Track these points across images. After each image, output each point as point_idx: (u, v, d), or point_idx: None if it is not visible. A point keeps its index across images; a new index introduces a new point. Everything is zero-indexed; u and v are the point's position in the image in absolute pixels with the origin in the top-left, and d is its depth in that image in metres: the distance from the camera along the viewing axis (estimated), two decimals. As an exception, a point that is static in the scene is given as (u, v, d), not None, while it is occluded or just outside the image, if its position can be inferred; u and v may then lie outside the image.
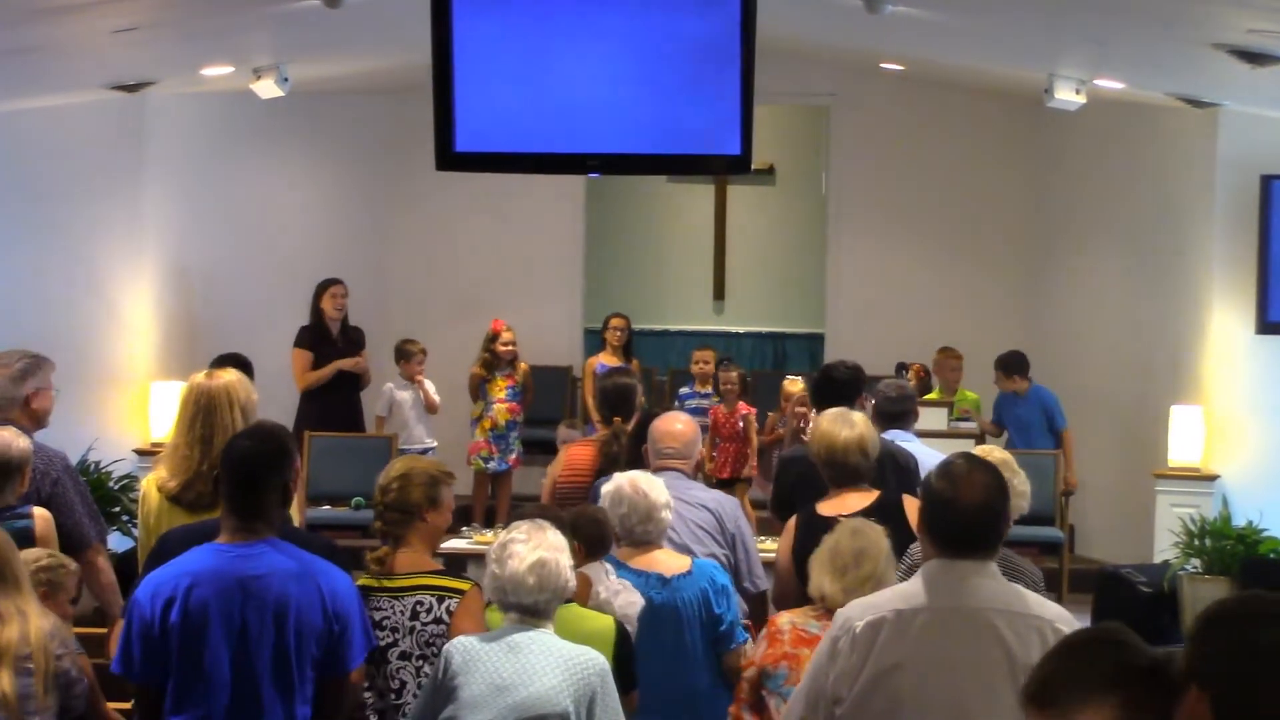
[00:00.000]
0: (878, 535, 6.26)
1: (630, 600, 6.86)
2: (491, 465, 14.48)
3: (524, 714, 5.47)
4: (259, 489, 5.61)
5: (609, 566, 7.09)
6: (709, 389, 14.24)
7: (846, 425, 7.54)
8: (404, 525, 6.27)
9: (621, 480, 7.22)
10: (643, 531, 7.13)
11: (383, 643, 6.05)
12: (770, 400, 13.98)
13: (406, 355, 14.53)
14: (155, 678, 5.54)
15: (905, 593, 5.08)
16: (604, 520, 7.30)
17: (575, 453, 9.49)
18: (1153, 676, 3.48)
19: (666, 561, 7.13)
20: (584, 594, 6.60)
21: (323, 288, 14.61)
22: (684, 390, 14.56)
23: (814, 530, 7.11)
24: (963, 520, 5.01)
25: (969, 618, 4.93)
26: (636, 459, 8.62)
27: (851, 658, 4.98)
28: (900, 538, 6.56)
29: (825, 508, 7.41)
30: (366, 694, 6.03)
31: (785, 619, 6.35)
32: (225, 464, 5.70)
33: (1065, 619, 4.99)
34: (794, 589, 7.09)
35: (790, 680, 6.15)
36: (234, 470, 5.64)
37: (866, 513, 7.17)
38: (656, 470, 8.24)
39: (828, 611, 6.23)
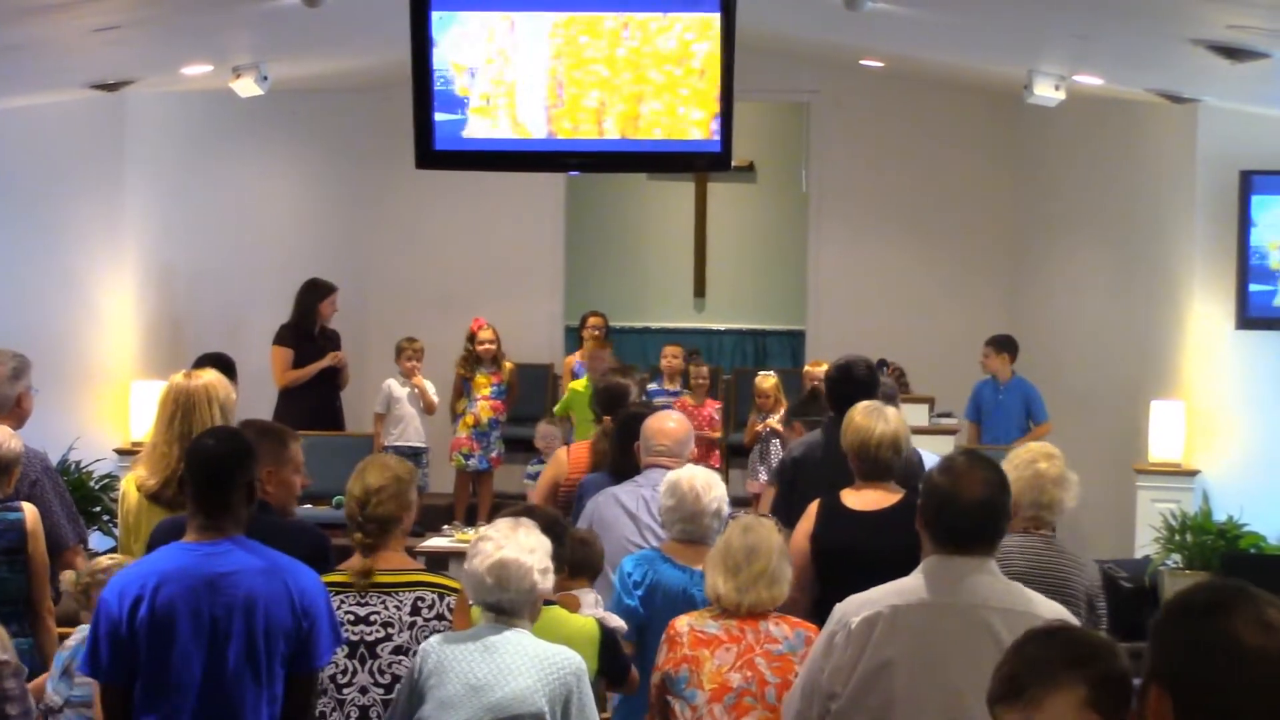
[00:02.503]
0: (768, 531, 6.29)
1: (615, 627, 6.88)
2: (472, 463, 14.46)
3: (499, 714, 5.46)
4: (225, 487, 5.60)
5: (597, 596, 7.15)
6: (677, 385, 14.34)
7: (881, 420, 7.49)
8: (385, 533, 6.30)
9: (683, 474, 7.24)
10: (681, 530, 7.15)
11: (371, 637, 6.05)
12: (750, 397, 14.07)
13: (398, 352, 14.50)
14: (122, 678, 5.52)
15: (902, 589, 5.07)
16: (591, 541, 7.31)
17: (577, 454, 9.49)
18: (1112, 657, 3.47)
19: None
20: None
21: (323, 293, 14.54)
22: (652, 386, 14.55)
23: (836, 519, 7.11)
24: (962, 517, 5.00)
25: (964, 614, 4.92)
26: (619, 458, 8.63)
27: (846, 653, 4.98)
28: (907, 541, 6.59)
29: (850, 499, 7.39)
30: (346, 690, 6.04)
31: (683, 621, 6.33)
32: (190, 463, 5.70)
33: (1063, 616, 4.98)
34: (808, 575, 7.09)
35: (691, 683, 6.15)
36: (199, 469, 5.64)
37: (892, 511, 7.17)
38: (647, 468, 8.25)
39: (724, 611, 6.25)
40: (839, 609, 5.15)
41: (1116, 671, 3.45)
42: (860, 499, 7.34)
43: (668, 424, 8.36)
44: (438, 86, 10.78)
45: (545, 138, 10.81)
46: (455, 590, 6.18)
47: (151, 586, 5.49)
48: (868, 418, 7.52)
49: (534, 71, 10.71)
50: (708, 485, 7.15)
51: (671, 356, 14.74)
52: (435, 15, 10.70)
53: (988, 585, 4.99)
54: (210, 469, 5.62)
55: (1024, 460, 6.88)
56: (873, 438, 7.43)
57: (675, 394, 14.16)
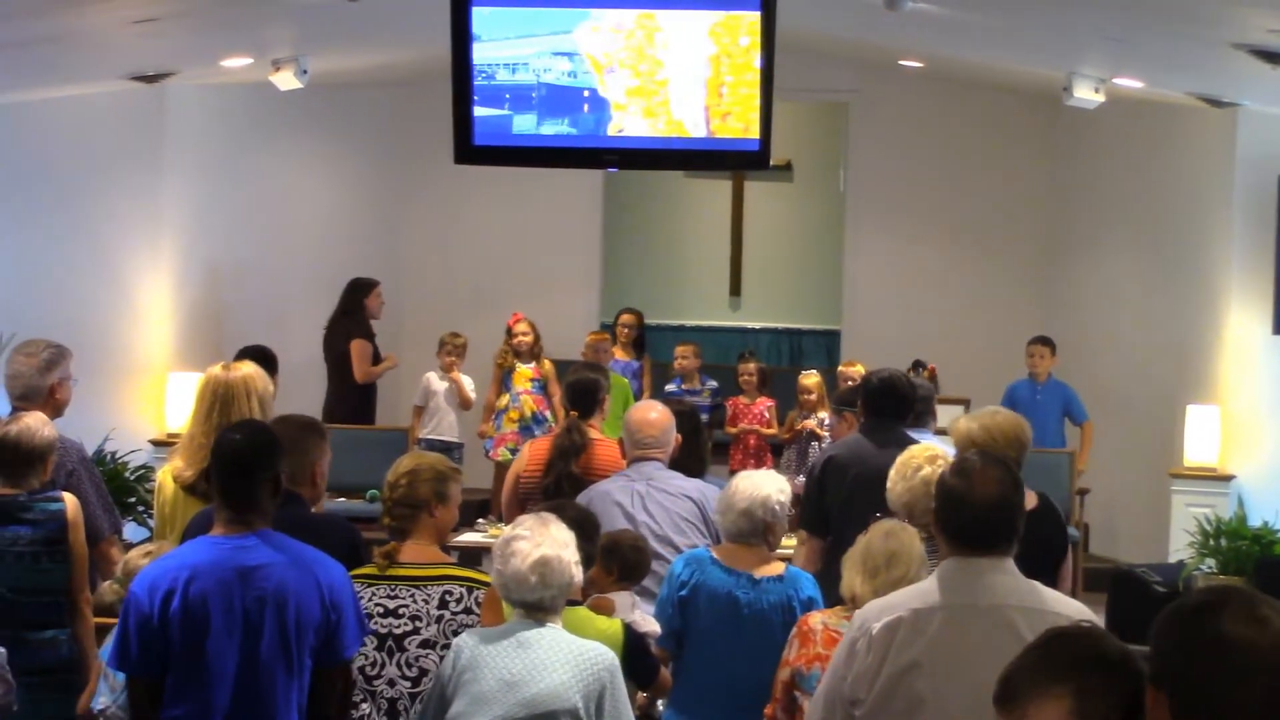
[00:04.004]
0: (911, 538, 6.17)
1: (647, 630, 6.90)
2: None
3: (534, 710, 5.45)
4: (251, 481, 5.63)
5: (635, 599, 7.16)
6: (697, 384, 14.36)
7: (1010, 415, 7.42)
8: (412, 520, 6.33)
9: (747, 473, 7.23)
10: (719, 519, 7.13)
11: (399, 630, 6.08)
12: (785, 395, 14.08)
13: (440, 345, 14.54)
14: (152, 671, 5.55)
15: (921, 592, 5.06)
16: (645, 549, 7.32)
17: (538, 447, 9.42)
18: (1111, 665, 3.44)
19: (760, 564, 7.09)
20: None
21: (369, 286, 14.74)
22: (670, 387, 14.56)
23: None
24: (978, 517, 4.99)
25: (986, 615, 4.91)
26: (685, 457, 8.59)
27: (869, 658, 4.96)
28: (1059, 539, 7.18)
29: None
30: (376, 682, 6.07)
31: (817, 619, 6.29)
32: (217, 457, 5.71)
33: (1084, 615, 4.97)
34: None
35: None
36: (226, 463, 5.67)
37: (1036, 514, 7.14)
38: (634, 461, 8.24)
39: None
40: (859, 615, 5.14)
41: (1111, 683, 3.43)
42: None
43: (650, 414, 8.36)
44: (479, 81, 10.80)
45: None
46: (485, 584, 6.17)
47: (184, 580, 5.51)
48: (977, 420, 7.40)
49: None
50: (753, 485, 7.10)
51: (682, 357, 14.75)
52: (474, 9, 10.73)
53: (1007, 584, 4.97)
54: (237, 462, 5.65)
55: (910, 468, 6.93)
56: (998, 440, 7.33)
57: (695, 393, 14.16)
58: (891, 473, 7.02)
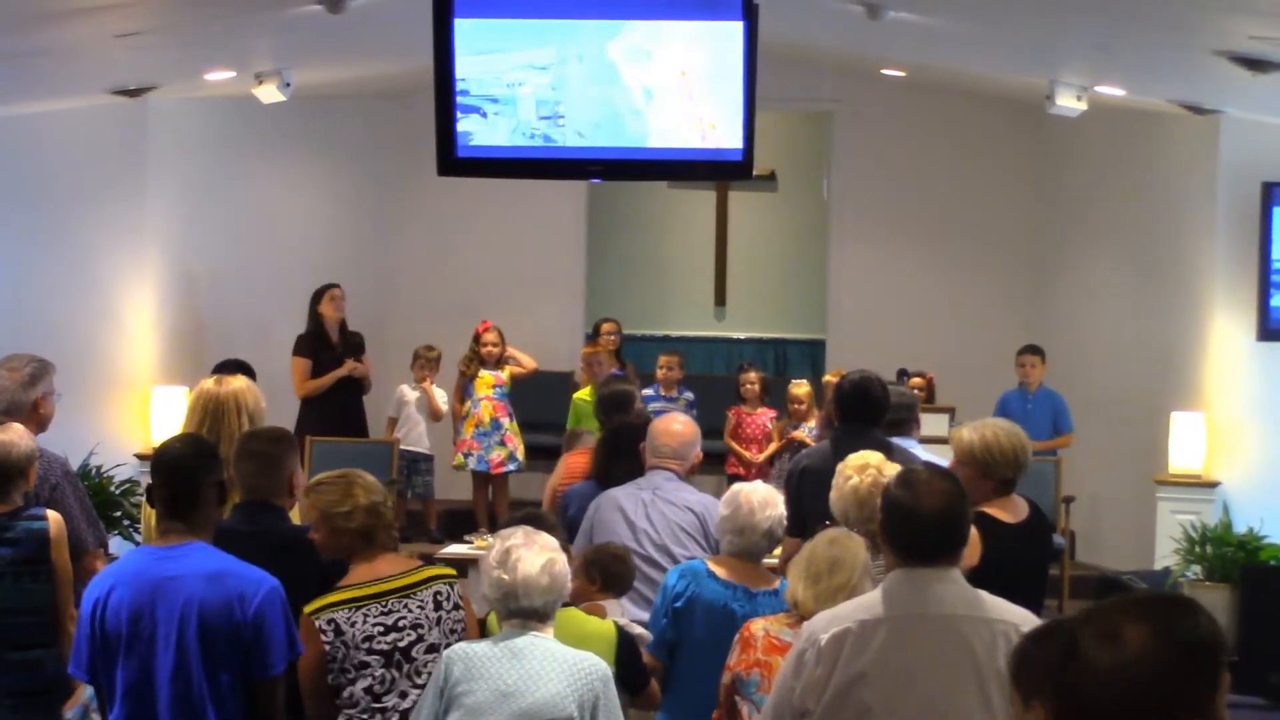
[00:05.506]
0: (856, 545, 6.20)
1: (637, 635, 6.91)
2: (470, 463, 14.39)
3: (530, 720, 5.48)
4: (190, 491, 5.67)
5: (623, 608, 7.16)
6: (674, 394, 14.36)
7: (1012, 433, 7.38)
8: (386, 535, 6.32)
9: (745, 487, 7.21)
10: (730, 542, 7.11)
11: (404, 643, 6.07)
12: (773, 405, 14.10)
13: (414, 358, 14.58)
14: (102, 679, 5.69)
15: (868, 603, 5.11)
16: (628, 560, 7.33)
17: (573, 461, 9.53)
18: (1051, 634, 3.44)
19: (755, 578, 7.08)
20: None
21: (320, 292, 14.63)
22: (648, 392, 14.55)
23: (994, 535, 6.92)
24: (924, 529, 5.03)
25: (933, 624, 4.97)
26: (605, 468, 8.63)
27: (817, 670, 5.00)
28: (1047, 551, 7.16)
29: (995, 511, 7.13)
30: (385, 698, 6.04)
31: (759, 626, 6.32)
32: (156, 468, 5.76)
33: (1030, 621, 5.02)
34: None
35: (762, 688, 6.13)
36: (165, 474, 5.72)
37: (1026, 525, 7.11)
38: (651, 469, 8.25)
39: (801, 619, 6.22)
40: (806, 627, 5.19)
41: (1035, 647, 3.41)
42: (1002, 510, 7.12)
43: (673, 426, 8.38)
44: (460, 94, 10.79)
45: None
46: (456, 576, 6.31)
47: (107, 589, 5.61)
48: (979, 432, 7.36)
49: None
50: (764, 502, 7.08)
51: (666, 367, 14.70)
52: (457, 22, 10.72)
53: (953, 594, 5.02)
54: (175, 473, 5.69)
55: (842, 478, 7.03)
56: (1012, 450, 7.27)
57: (671, 400, 14.17)
58: (833, 482, 7.08)
